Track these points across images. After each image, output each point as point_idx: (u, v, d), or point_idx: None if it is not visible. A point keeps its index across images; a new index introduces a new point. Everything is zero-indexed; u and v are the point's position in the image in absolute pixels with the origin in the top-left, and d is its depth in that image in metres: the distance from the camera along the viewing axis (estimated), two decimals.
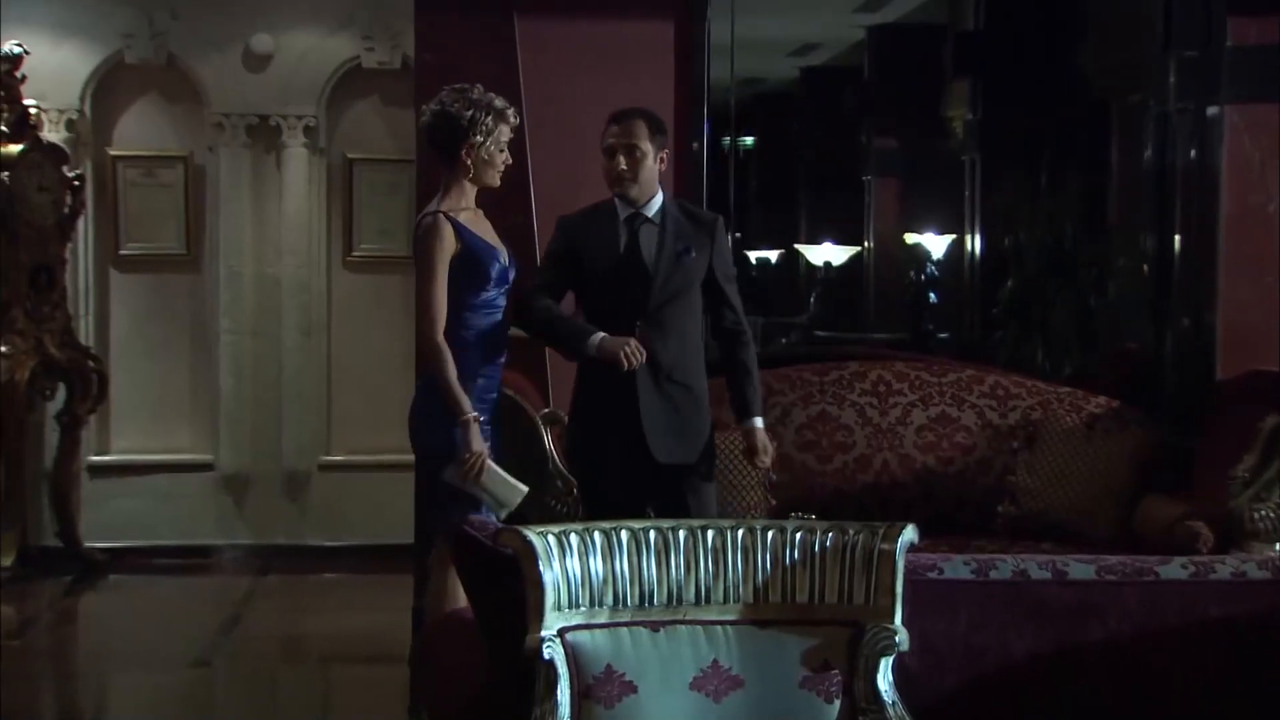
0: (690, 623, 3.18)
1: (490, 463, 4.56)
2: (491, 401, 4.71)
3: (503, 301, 4.69)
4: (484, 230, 4.77)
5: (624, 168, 4.67)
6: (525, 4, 6.14)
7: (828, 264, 12.98)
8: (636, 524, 3.25)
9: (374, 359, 8.26)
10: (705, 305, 4.79)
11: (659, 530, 3.24)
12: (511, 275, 4.72)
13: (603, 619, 3.16)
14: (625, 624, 3.17)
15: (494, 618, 3.35)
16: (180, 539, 8.19)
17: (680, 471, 4.63)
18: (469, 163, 4.71)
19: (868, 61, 11.46)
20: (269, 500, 8.28)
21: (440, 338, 4.59)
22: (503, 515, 4.53)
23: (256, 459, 8.27)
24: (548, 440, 5.60)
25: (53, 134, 7.85)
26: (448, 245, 4.65)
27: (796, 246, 13.71)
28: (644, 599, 3.19)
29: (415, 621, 6.10)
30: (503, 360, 4.74)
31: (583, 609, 3.15)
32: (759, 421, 4.75)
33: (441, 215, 4.67)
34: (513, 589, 3.15)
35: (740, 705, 3.11)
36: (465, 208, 4.75)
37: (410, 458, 7.45)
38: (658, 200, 4.74)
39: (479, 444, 4.52)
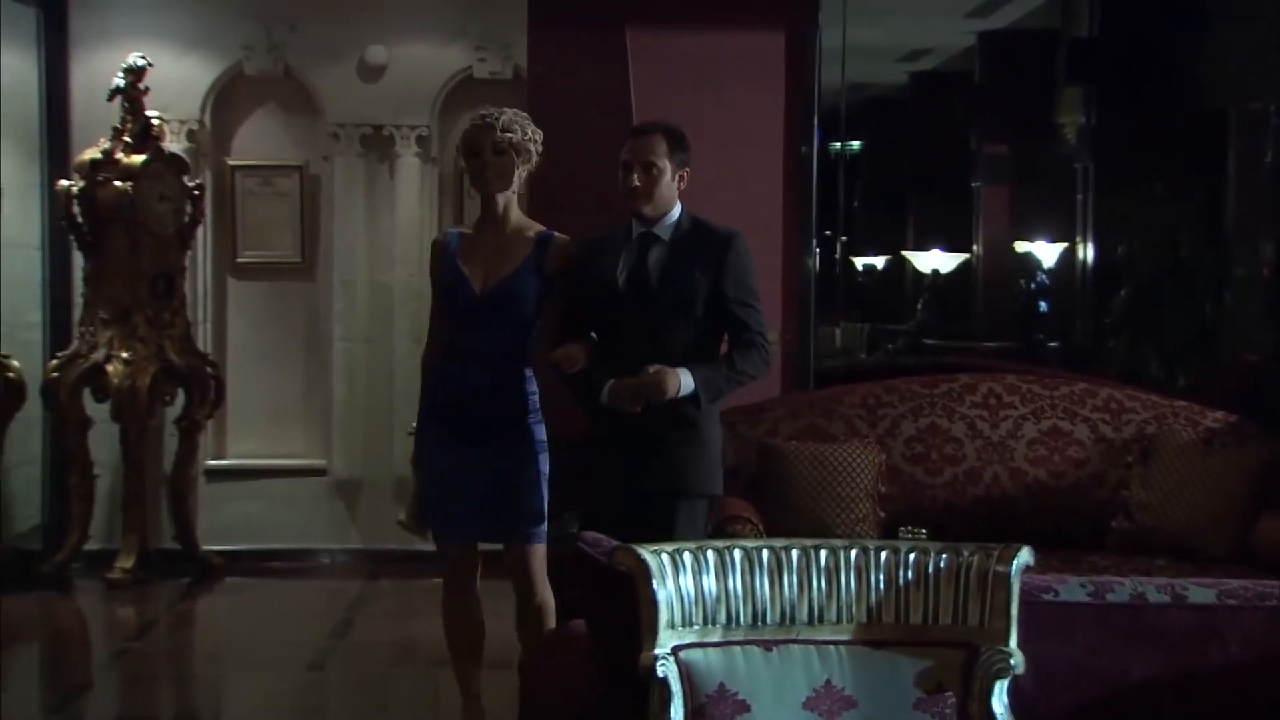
0: (803, 642, 3.19)
1: None
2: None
3: (466, 333, 4.64)
4: (484, 249, 4.68)
5: (637, 184, 4.53)
6: (637, 16, 6.20)
7: (935, 271, 12.89)
8: (749, 543, 3.26)
9: None
10: (719, 327, 4.59)
11: (772, 549, 3.25)
12: (475, 308, 4.61)
13: (716, 637, 3.18)
14: (738, 643, 3.18)
15: (608, 634, 3.38)
16: (293, 543, 8.33)
17: (665, 496, 4.49)
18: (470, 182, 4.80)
19: (978, 67, 11.38)
20: (380, 505, 8.38)
21: (426, 359, 4.80)
22: None
23: (368, 464, 8.39)
24: None
25: (174, 144, 8.01)
26: (433, 262, 4.77)
27: (903, 253, 13.64)
28: (757, 618, 3.20)
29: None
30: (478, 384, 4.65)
31: (696, 627, 3.17)
32: (686, 377, 4.41)
33: (447, 231, 4.84)
34: (627, 606, 3.17)
35: None
36: (485, 228, 4.72)
37: None
38: (673, 218, 4.60)
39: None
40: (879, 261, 13.93)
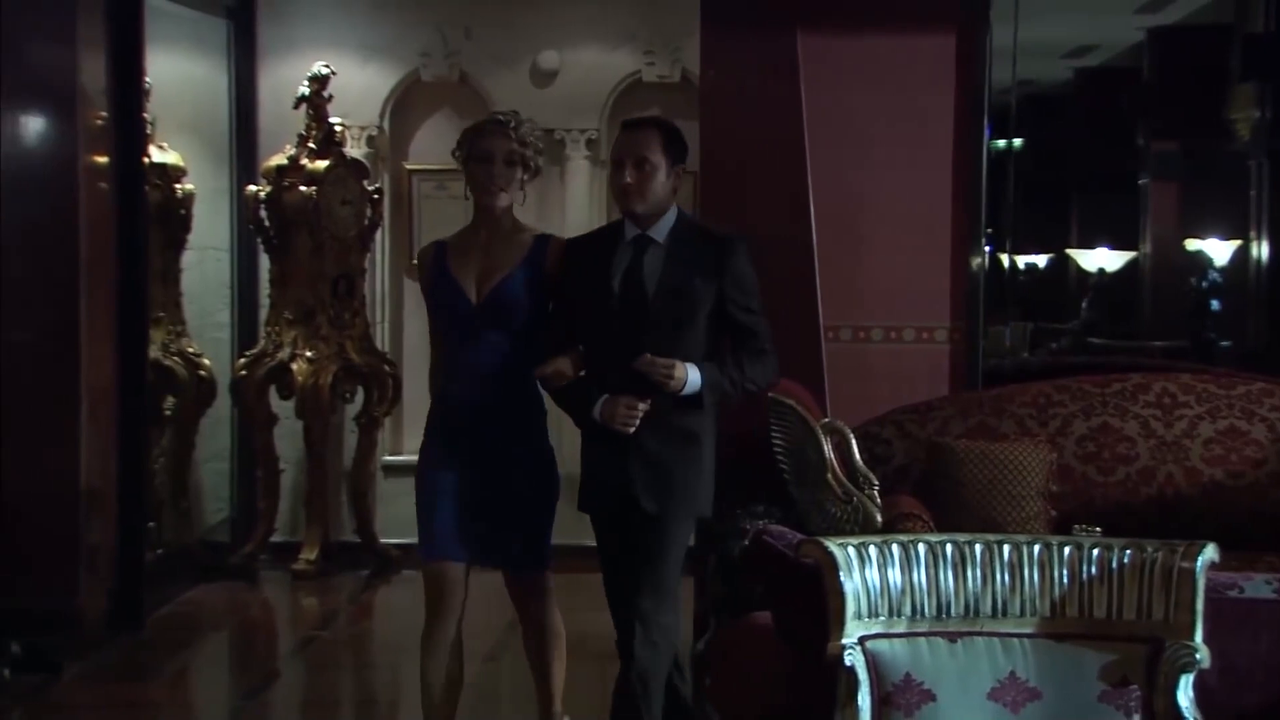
0: (987, 634, 3.27)
1: None
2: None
3: (467, 346, 4.43)
4: (477, 256, 4.46)
5: (629, 181, 4.20)
6: (808, 20, 6.26)
7: (1101, 269, 12.76)
8: (934, 537, 3.34)
9: None
10: (718, 337, 4.31)
11: (955, 544, 3.32)
12: (474, 318, 4.40)
13: (901, 628, 3.27)
14: (923, 634, 3.27)
15: (794, 625, 3.49)
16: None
17: (660, 519, 4.28)
18: (468, 184, 4.53)
19: (1147, 63, 11.25)
20: (561, 502, 8.56)
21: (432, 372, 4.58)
22: None
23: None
24: (827, 448, 5.69)
25: (355, 150, 8.28)
26: (422, 275, 4.56)
27: (1067, 251, 13.50)
28: (941, 610, 3.28)
29: (698, 624, 6.29)
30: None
31: (882, 618, 3.26)
32: (694, 373, 4.16)
33: (434, 243, 4.59)
34: (814, 598, 3.28)
35: (1039, 717, 3.18)
36: (477, 233, 4.52)
37: None
38: (669, 220, 4.29)
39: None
40: (1041, 260, 13.82)
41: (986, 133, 6.51)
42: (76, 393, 6.25)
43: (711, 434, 4.35)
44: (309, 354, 7.95)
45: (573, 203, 8.52)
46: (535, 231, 4.55)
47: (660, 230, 4.26)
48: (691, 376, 4.15)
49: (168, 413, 7.83)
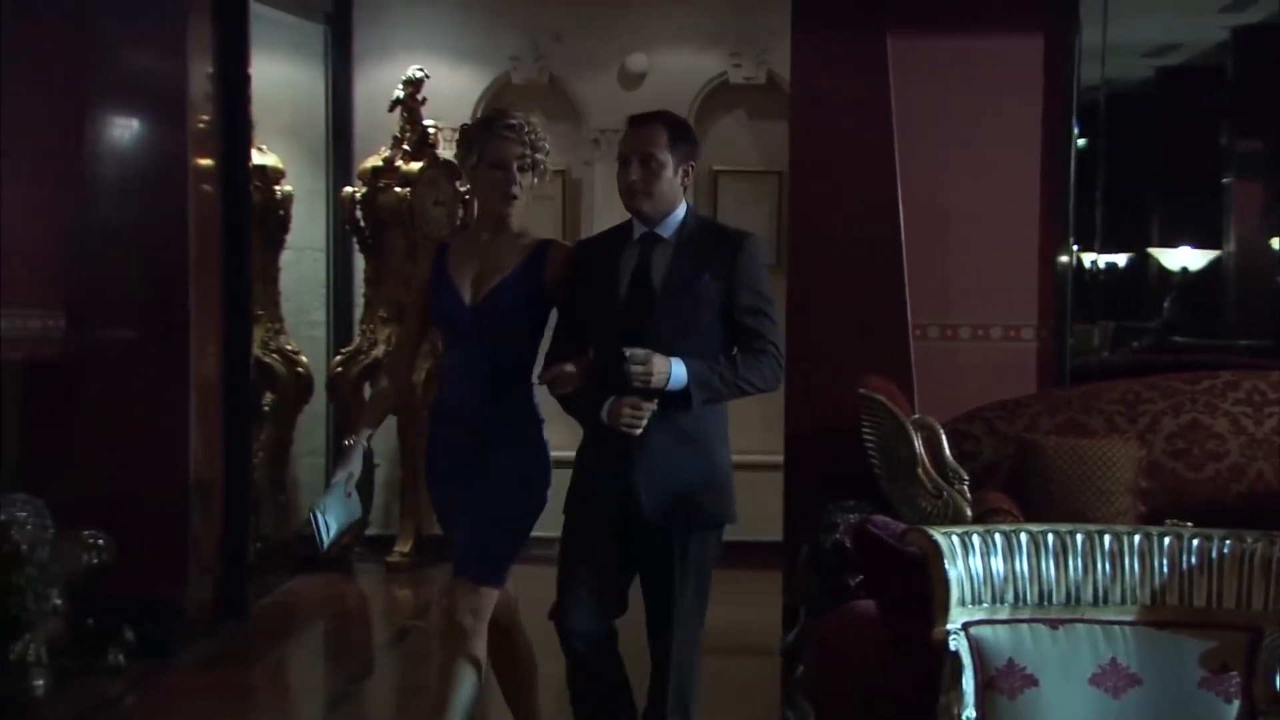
0: (1088, 621, 3.35)
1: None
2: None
3: (460, 350, 4.30)
4: (476, 259, 4.30)
5: (635, 178, 4.05)
6: (898, 23, 6.37)
7: (1184, 269, 12.70)
8: (1035, 527, 3.43)
9: None
10: (730, 338, 4.12)
11: (1057, 533, 3.41)
12: (467, 322, 4.25)
13: (1004, 615, 3.36)
14: (1025, 620, 3.36)
15: (898, 612, 3.59)
16: (548, 531, 8.67)
17: (670, 529, 4.08)
18: (475, 187, 4.40)
19: (1231, 61, 11.19)
20: None
21: (384, 374, 4.62)
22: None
23: None
24: (917, 444, 5.78)
25: (447, 151, 8.44)
26: (424, 277, 4.42)
27: (1149, 250, 13.45)
28: (1043, 597, 3.37)
29: (786, 617, 6.40)
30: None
31: (985, 605, 3.36)
32: (679, 367, 3.96)
33: (439, 245, 4.47)
34: (918, 585, 3.38)
35: (1139, 702, 3.27)
36: (480, 236, 4.35)
37: (771, 458, 7.85)
38: (678, 217, 4.12)
39: (342, 465, 4.38)
40: (1122, 259, 13.76)
41: (1075, 133, 6.58)
42: (186, 389, 6.44)
43: (722, 437, 4.18)
44: None
45: None
46: (537, 236, 4.35)
47: (668, 228, 4.11)
48: (675, 371, 3.95)
49: (266, 408, 8.03)
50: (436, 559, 8.28)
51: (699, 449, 4.09)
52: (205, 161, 6.68)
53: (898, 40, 6.37)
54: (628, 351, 3.93)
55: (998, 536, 3.39)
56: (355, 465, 4.38)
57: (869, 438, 5.81)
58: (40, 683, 5.63)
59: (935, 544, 3.35)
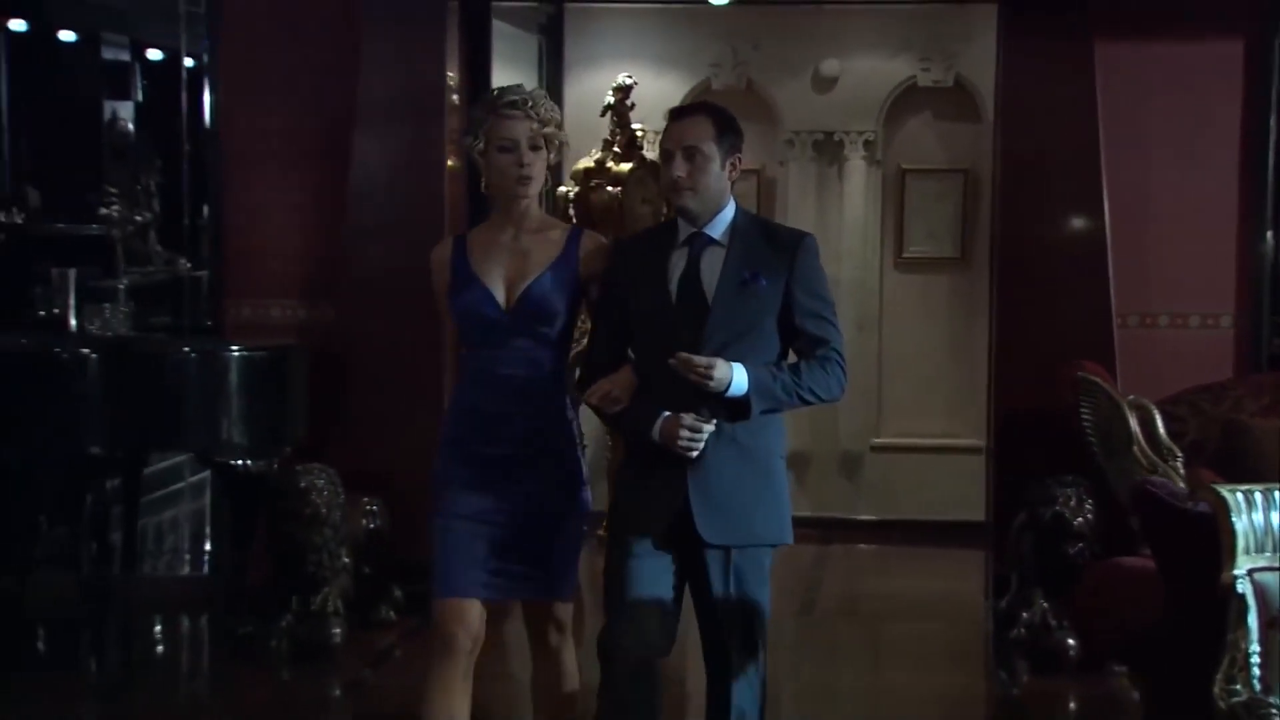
0: None
1: None
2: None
3: (493, 355, 3.94)
4: (503, 255, 3.96)
5: (680, 174, 3.78)
6: (1104, 28, 6.81)
7: None
8: None
9: (922, 351, 9.10)
10: (787, 345, 3.86)
11: None
12: (502, 324, 3.92)
13: None
14: None
15: (1179, 563, 4.06)
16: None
17: (728, 552, 3.81)
18: (486, 174, 3.98)
19: None
20: (826, 478, 9.22)
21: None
22: None
23: (815, 440, 9.21)
24: (1133, 423, 6.20)
25: (650, 152, 8.97)
26: (436, 272, 4.06)
27: None
28: None
29: (996, 586, 6.89)
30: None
31: (1267, 554, 3.83)
32: (740, 374, 3.69)
33: (450, 239, 4.11)
34: (1202, 537, 3.85)
35: None
36: (503, 229, 3.99)
37: (957, 441, 8.34)
38: (727, 216, 3.85)
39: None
40: None
41: (1272, 128, 6.98)
42: (441, 371, 6.99)
43: (781, 452, 3.90)
44: None
45: (850, 199, 9.14)
46: (566, 226, 4.07)
47: (717, 227, 3.82)
48: (736, 377, 3.68)
49: None
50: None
51: (758, 466, 3.82)
52: (453, 163, 7.26)
53: (1104, 45, 6.81)
54: (683, 355, 3.66)
55: (1276, 494, 3.86)
56: None
57: (1086, 417, 6.27)
58: (337, 631, 6.29)
59: (1223, 500, 3.82)
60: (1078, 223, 6.87)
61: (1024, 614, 6.37)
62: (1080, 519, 6.16)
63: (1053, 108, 6.85)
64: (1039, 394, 6.65)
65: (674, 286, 3.79)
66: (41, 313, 6.94)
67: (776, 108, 9.16)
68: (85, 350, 6.16)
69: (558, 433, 3.98)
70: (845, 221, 9.16)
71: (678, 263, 3.81)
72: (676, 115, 3.90)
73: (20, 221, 7.66)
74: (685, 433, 3.70)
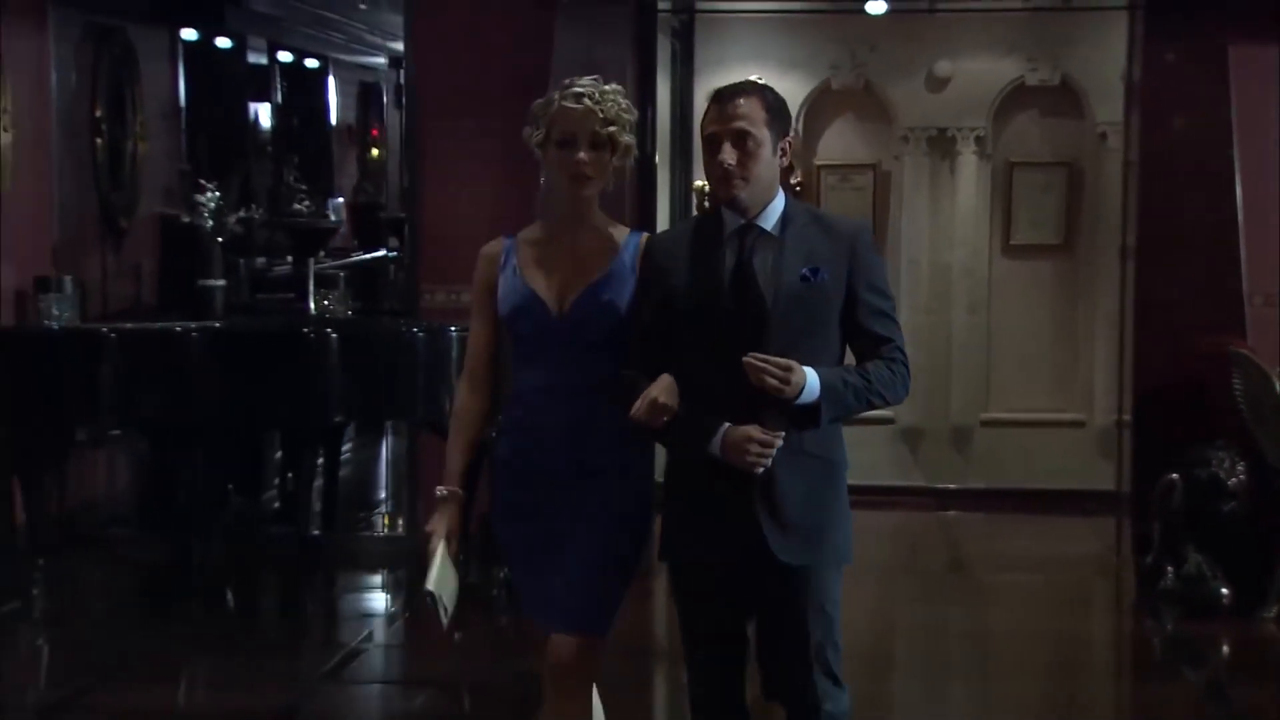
0: None
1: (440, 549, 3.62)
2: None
3: (548, 365, 3.61)
4: (558, 259, 3.62)
5: (732, 163, 3.38)
6: (1239, 34, 7.44)
7: None
8: None
9: (1028, 332, 9.77)
10: (845, 345, 3.52)
11: None
12: (556, 334, 3.59)
13: None
14: None
15: None
16: (863, 480, 9.77)
17: (803, 572, 3.45)
18: (545, 169, 3.65)
19: None
20: (939, 450, 9.86)
21: (464, 382, 3.77)
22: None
23: (928, 415, 9.82)
24: None
25: None
26: (482, 276, 3.69)
27: None
28: None
29: (1138, 544, 7.53)
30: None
31: None
32: (813, 377, 3.35)
33: (503, 239, 3.71)
34: None
35: None
36: (558, 231, 3.66)
37: (1061, 416, 8.89)
38: (777, 206, 3.49)
39: (434, 524, 3.66)
40: None
41: None
42: None
43: (845, 460, 3.55)
44: None
45: (961, 192, 9.77)
46: (625, 229, 3.67)
47: (769, 218, 3.46)
48: (810, 381, 3.35)
49: None
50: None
51: (830, 479, 3.49)
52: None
53: (1238, 49, 7.45)
54: (759, 356, 3.31)
55: None
56: (450, 523, 3.67)
57: (1238, 388, 6.93)
58: None
59: None
60: (1211, 210, 7.50)
61: (1169, 568, 7.01)
62: (1234, 479, 6.81)
63: (1190, 103, 7.50)
64: (1177, 367, 7.31)
65: (727, 284, 3.42)
66: (261, 296, 7.49)
67: (893, 106, 9.77)
68: (328, 330, 6.73)
69: (620, 448, 3.59)
70: (957, 212, 9.78)
71: (726, 259, 3.44)
72: (722, 98, 3.47)
73: (257, 217, 8.16)
74: (756, 446, 3.35)
